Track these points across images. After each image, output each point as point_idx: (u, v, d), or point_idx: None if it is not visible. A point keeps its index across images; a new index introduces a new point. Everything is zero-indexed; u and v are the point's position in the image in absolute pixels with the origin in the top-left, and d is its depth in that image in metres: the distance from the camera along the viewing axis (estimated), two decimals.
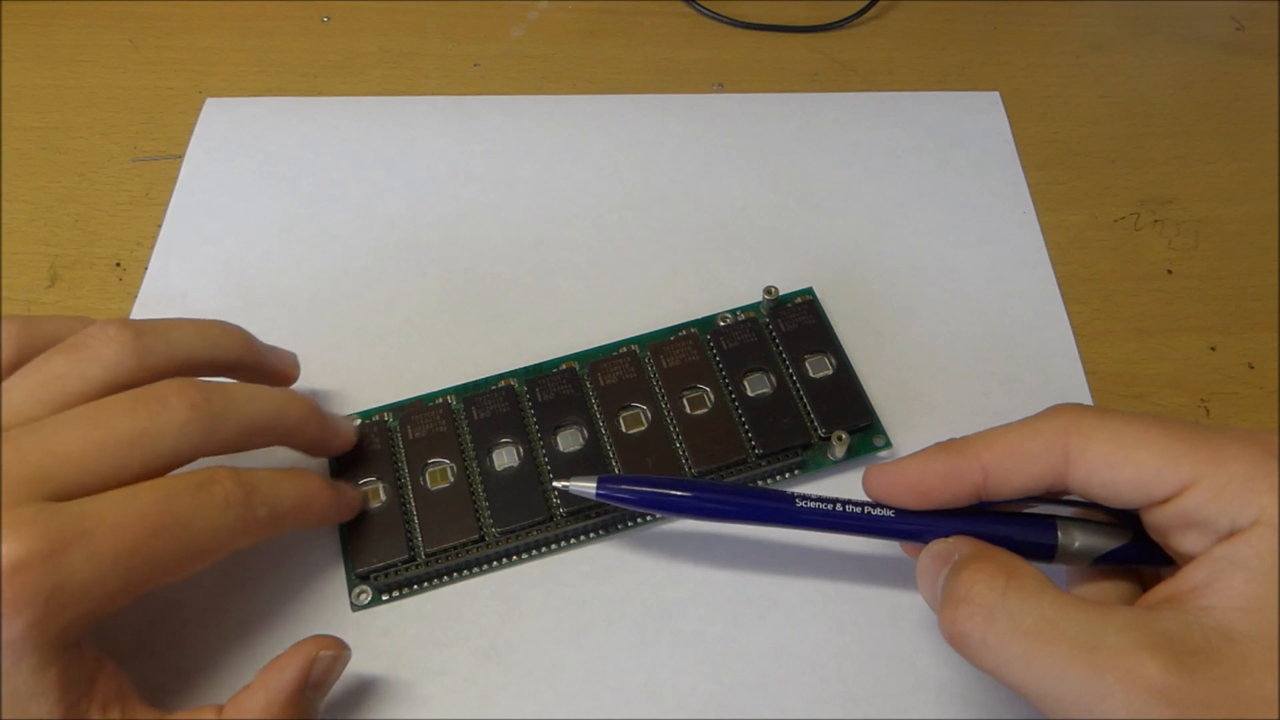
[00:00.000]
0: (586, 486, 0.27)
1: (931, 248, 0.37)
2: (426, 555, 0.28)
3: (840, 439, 0.30)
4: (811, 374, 0.32)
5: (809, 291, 0.34)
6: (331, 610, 0.28)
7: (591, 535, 0.30)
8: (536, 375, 0.32)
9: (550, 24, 0.45)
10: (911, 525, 0.25)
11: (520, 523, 0.29)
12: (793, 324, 0.33)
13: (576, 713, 0.27)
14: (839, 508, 0.25)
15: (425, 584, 0.29)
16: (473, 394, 0.31)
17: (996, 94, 0.42)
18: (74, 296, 0.35)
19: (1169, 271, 0.37)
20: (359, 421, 0.31)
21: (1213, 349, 0.35)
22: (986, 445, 0.24)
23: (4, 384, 0.23)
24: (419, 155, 0.39)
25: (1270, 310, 0.36)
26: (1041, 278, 0.36)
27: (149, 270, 0.36)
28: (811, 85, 0.43)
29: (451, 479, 0.29)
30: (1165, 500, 0.22)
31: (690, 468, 0.30)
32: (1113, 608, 0.21)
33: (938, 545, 0.24)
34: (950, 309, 0.35)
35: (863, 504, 0.25)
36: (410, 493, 0.29)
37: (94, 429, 0.22)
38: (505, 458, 0.30)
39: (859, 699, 0.27)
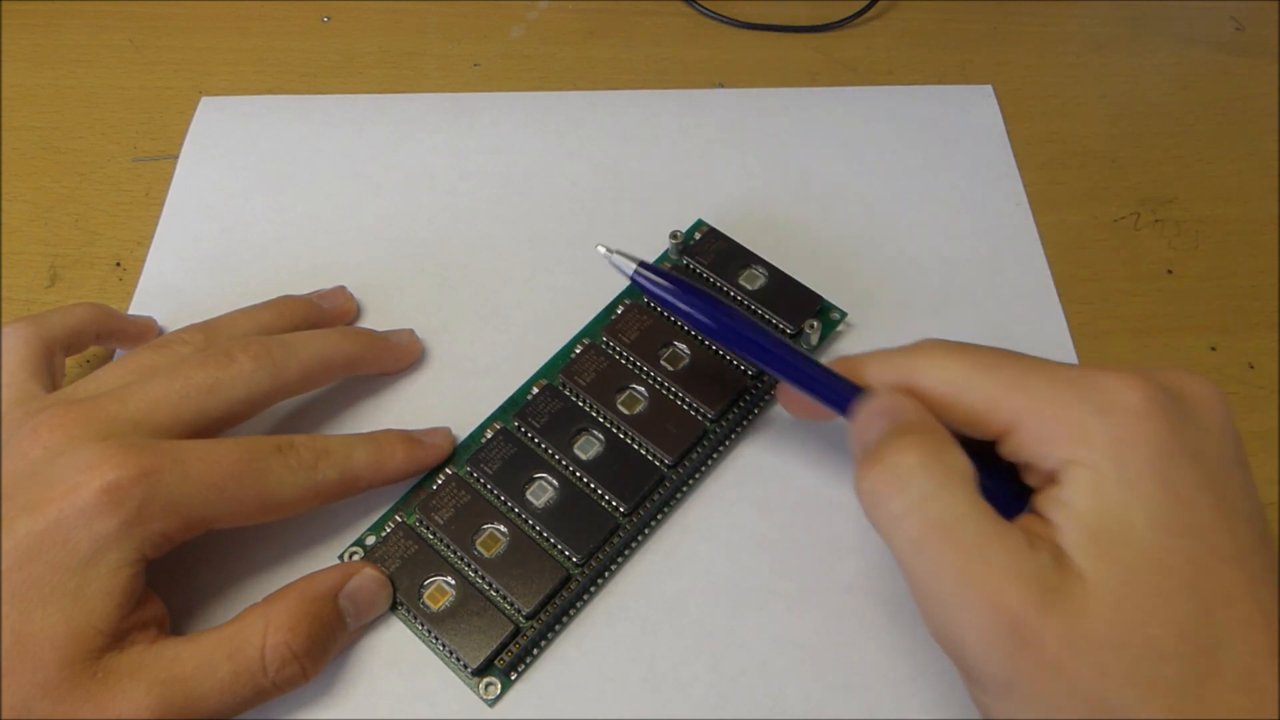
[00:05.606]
0: (627, 264, 0.28)
1: (925, 241, 0.37)
2: (527, 616, 0.28)
3: (813, 326, 0.32)
4: (750, 287, 0.33)
5: (701, 223, 0.36)
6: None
7: (654, 522, 0.30)
8: (518, 408, 0.31)
9: (550, 24, 0.45)
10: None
11: (595, 541, 0.28)
12: (708, 254, 0.34)
13: (575, 705, 0.27)
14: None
15: (542, 642, 0.28)
16: (472, 453, 0.30)
17: (989, 87, 0.42)
18: (74, 296, 0.35)
19: (1169, 271, 0.37)
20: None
21: (1213, 349, 0.35)
22: (871, 364, 0.26)
23: (104, 367, 0.28)
24: (415, 152, 0.39)
25: (1270, 310, 0.36)
26: (1035, 269, 0.36)
27: (145, 268, 0.36)
28: (811, 85, 0.43)
29: (505, 538, 0.29)
30: (999, 438, 0.24)
31: (706, 417, 0.31)
32: (1009, 529, 0.22)
33: (885, 400, 0.25)
34: (945, 302, 0.35)
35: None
36: (475, 571, 0.28)
37: (176, 380, 0.27)
38: (540, 493, 0.29)
39: (857, 688, 0.27)
